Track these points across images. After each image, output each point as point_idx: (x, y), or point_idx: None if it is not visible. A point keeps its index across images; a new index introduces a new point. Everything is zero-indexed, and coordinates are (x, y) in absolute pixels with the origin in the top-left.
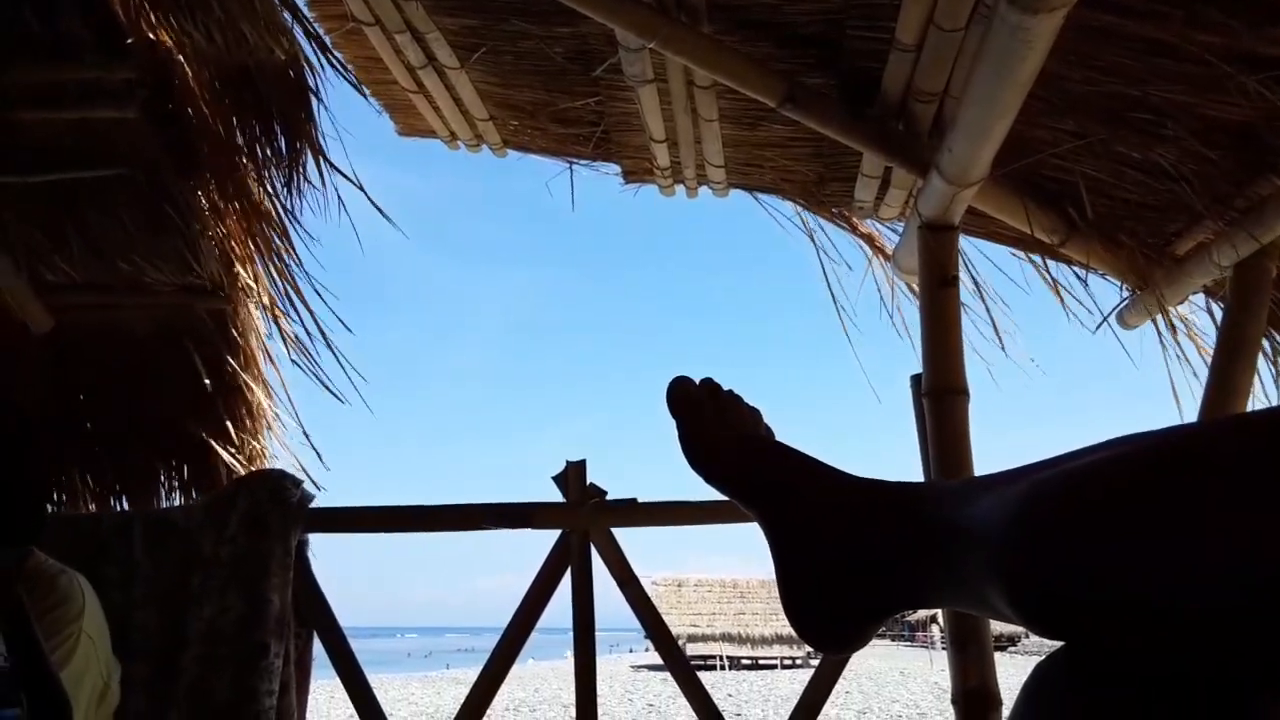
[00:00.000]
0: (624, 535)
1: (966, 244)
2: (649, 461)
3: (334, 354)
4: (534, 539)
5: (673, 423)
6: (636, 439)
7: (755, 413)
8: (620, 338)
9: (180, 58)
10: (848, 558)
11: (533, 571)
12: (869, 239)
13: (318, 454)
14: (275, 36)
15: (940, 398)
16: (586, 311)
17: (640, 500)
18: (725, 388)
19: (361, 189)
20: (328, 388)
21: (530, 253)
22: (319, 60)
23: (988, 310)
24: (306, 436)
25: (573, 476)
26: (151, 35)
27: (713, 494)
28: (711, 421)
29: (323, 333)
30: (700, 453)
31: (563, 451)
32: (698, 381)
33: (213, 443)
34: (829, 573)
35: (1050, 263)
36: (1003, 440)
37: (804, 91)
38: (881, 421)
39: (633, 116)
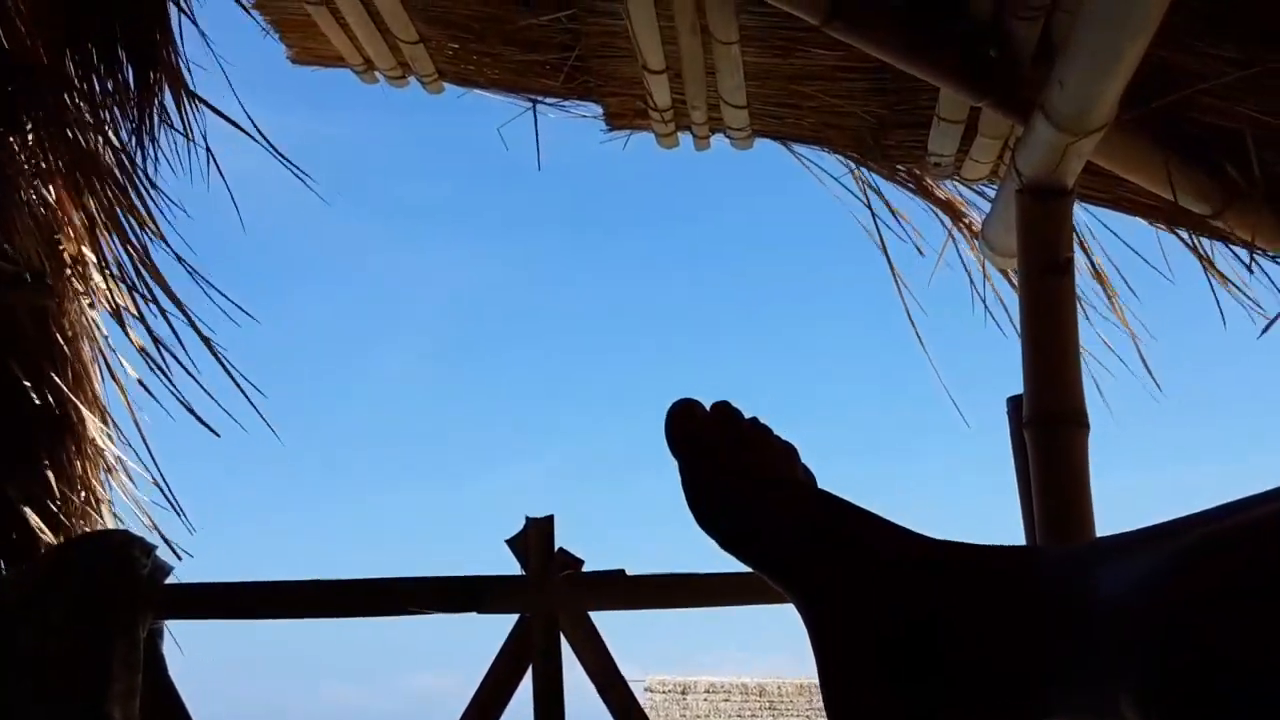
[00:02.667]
0: (607, 621)
1: (1084, 214)
2: (642, 518)
3: (220, 362)
4: (483, 624)
5: (674, 462)
6: (623, 483)
7: (788, 449)
8: (602, 339)
9: None
10: (923, 650)
11: (480, 668)
12: (948, 207)
13: (178, 508)
14: None
15: (1048, 427)
16: (556, 301)
17: (629, 573)
18: (747, 415)
19: (239, 127)
20: (196, 417)
21: (478, 221)
22: None
23: (1112, 304)
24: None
25: (535, 539)
26: None
27: (730, 563)
28: (727, 461)
29: (199, 334)
30: (711, 504)
31: (521, 500)
32: (708, 406)
33: (26, 493)
34: (894, 672)
35: (1202, 240)
36: (1126, 483)
37: (858, 2)
38: (970, 464)
39: (620, 38)
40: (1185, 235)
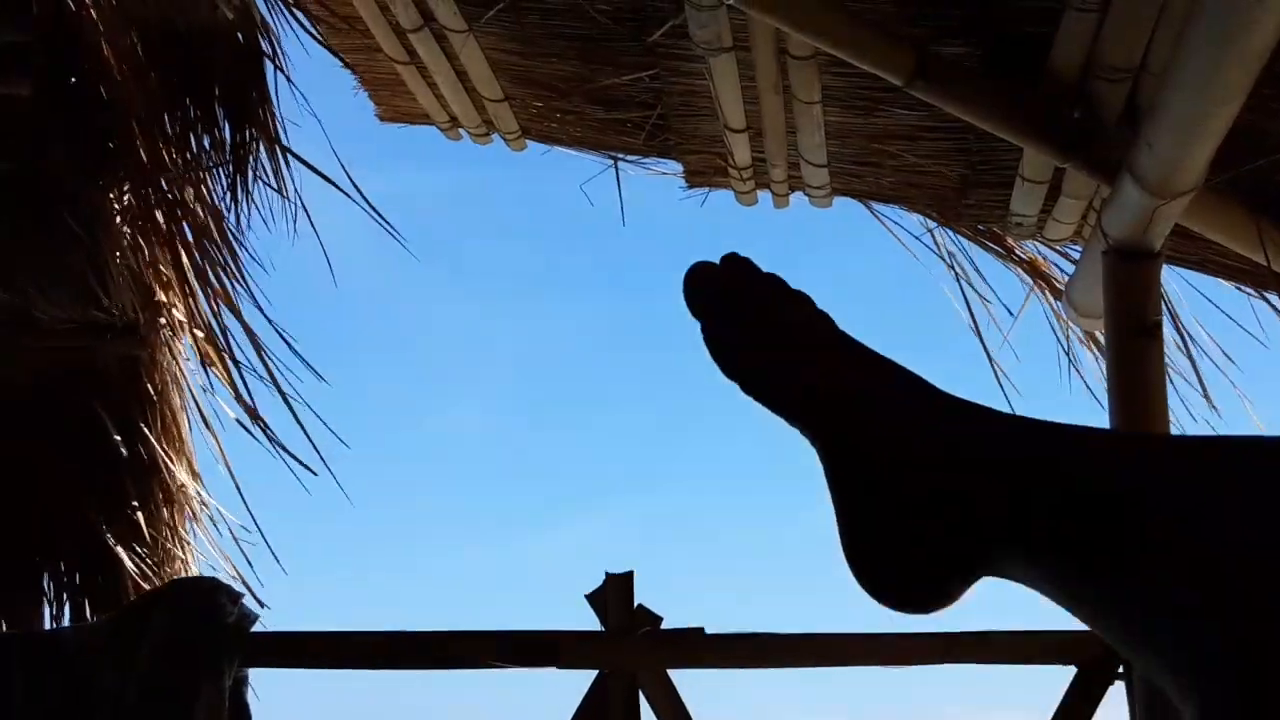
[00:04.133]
0: (686, 680)
1: (1171, 276)
2: (722, 572)
3: (307, 415)
4: (555, 681)
5: (697, 327)
6: (705, 535)
7: (803, 297)
8: (686, 391)
9: (93, 15)
10: (941, 493)
11: None
12: (1031, 267)
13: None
14: None
15: None
16: (640, 356)
17: (709, 631)
18: (764, 270)
19: (337, 186)
20: (307, 463)
21: (557, 276)
22: (278, 21)
23: (1196, 370)
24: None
25: (614, 594)
26: None
27: (815, 625)
28: (749, 312)
29: (287, 385)
30: (734, 353)
31: (597, 554)
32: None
33: (117, 539)
34: (910, 507)
35: None
36: None
37: (941, 64)
38: None
39: (701, 97)
40: (1276, 299)
